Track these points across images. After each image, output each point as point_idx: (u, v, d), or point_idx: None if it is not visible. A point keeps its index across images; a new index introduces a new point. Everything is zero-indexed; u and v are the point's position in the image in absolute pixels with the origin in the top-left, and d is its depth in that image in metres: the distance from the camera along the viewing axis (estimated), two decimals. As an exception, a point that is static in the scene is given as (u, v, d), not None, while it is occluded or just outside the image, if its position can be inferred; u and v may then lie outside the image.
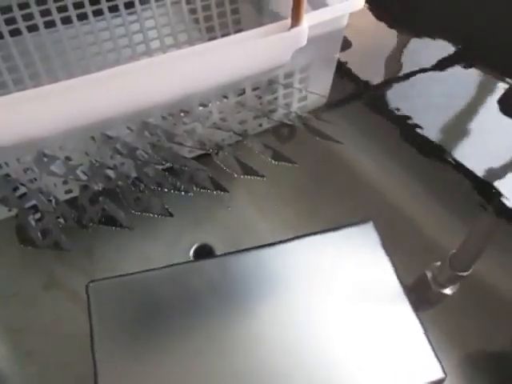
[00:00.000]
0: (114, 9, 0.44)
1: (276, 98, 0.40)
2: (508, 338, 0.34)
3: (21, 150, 0.31)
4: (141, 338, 0.28)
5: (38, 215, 0.33)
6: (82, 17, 0.43)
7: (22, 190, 0.33)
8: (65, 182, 0.36)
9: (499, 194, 0.40)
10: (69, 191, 0.37)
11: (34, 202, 0.33)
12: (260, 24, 0.32)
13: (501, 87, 0.48)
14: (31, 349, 0.33)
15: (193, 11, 0.47)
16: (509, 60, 0.50)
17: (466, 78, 0.49)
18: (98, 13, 0.43)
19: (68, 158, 0.34)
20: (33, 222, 0.32)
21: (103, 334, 0.28)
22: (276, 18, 0.33)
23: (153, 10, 0.45)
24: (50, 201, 0.33)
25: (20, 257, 0.36)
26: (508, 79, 0.48)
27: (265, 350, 0.27)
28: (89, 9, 0.43)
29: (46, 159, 0.31)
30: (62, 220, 0.33)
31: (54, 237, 0.32)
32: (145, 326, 0.28)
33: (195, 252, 0.38)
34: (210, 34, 0.48)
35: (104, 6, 0.43)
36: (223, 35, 0.47)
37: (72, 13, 0.42)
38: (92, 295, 0.29)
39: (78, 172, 0.32)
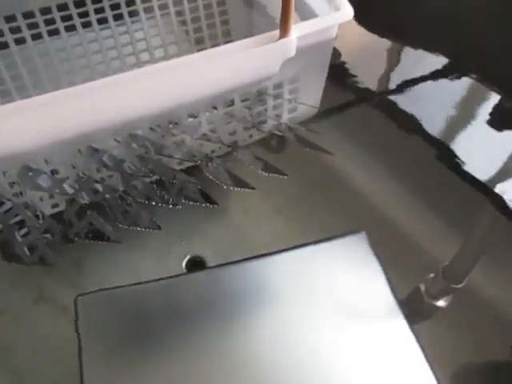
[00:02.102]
0: (103, 21, 0.44)
1: (266, 109, 0.39)
2: (501, 350, 0.33)
3: (5, 164, 0.31)
4: (130, 353, 0.27)
5: (23, 230, 0.32)
6: (71, 29, 0.43)
7: (8, 204, 0.32)
8: (51, 196, 0.35)
9: (493, 206, 0.40)
10: (55, 205, 0.36)
11: (19, 217, 0.32)
12: (250, 35, 0.32)
13: (492, 97, 0.48)
14: (20, 366, 0.33)
15: (182, 23, 0.47)
16: (497, 69, 0.51)
17: (457, 87, 0.50)
18: (86, 24, 0.43)
19: (54, 172, 0.33)
20: (18, 238, 0.31)
21: (91, 349, 0.27)
22: (266, 29, 0.32)
23: (142, 22, 0.45)
24: (37, 216, 0.33)
25: (8, 272, 0.36)
26: (497, 90, 0.49)
27: (257, 362, 0.27)
28: (77, 21, 0.42)
29: (30, 173, 0.30)
30: (48, 235, 0.32)
31: (41, 252, 0.31)
32: (135, 340, 0.28)
33: (187, 264, 0.37)
34: (200, 46, 0.48)
35: (93, 17, 0.43)
36: (213, 47, 0.47)
37: (60, 25, 0.42)
38: (81, 309, 0.29)
39: (65, 186, 0.31)
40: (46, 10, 0.41)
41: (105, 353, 0.27)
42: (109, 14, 0.43)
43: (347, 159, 0.44)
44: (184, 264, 0.37)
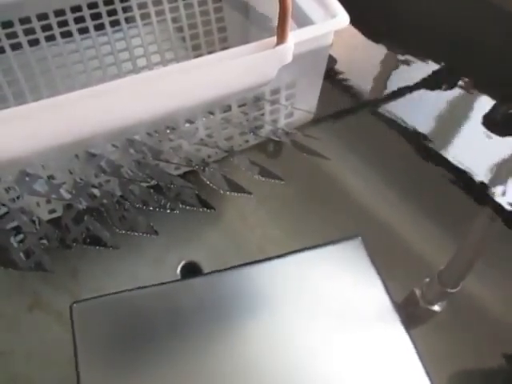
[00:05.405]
0: (99, 27, 0.44)
1: (262, 115, 0.40)
2: (497, 355, 0.33)
3: (2, 169, 0.31)
4: (126, 359, 0.27)
5: (20, 236, 0.32)
6: (67, 35, 0.43)
7: (3, 209, 0.32)
8: (48, 202, 0.35)
9: (489, 210, 0.40)
10: (52, 211, 0.36)
11: (15, 222, 0.32)
12: (247, 42, 0.32)
13: (486, 102, 0.49)
14: (15, 373, 0.32)
15: (179, 29, 0.47)
16: (494, 76, 0.51)
17: (453, 92, 0.50)
18: (83, 31, 0.43)
19: (51, 177, 0.33)
20: (14, 243, 0.31)
21: (87, 356, 0.27)
22: (263, 35, 0.33)
23: (139, 28, 0.45)
24: (33, 221, 0.33)
25: (4, 278, 0.36)
26: (491, 95, 0.49)
27: (254, 368, 0.27)
28: (74, 27, 0.42)
29: (27, 178, 0.30)
30: (45, 241, 0.32)
31: (37, 258, 0.31)
32: (131, 346, 0.28)
33: (182, 270, 0.37)
34: (197, 52, 0.48)
35: (90, 24, 0.43)
36: (210, 53, 0.47)
37: (56, 31, 0.42)
38: (76, 316, 0.28)
39: (62, 191, 0.31)
40: (42, 16, 0.41)
41: (101, 359, 0.27)
42: (106, 20, 0.43)
43: (343, 164, 0.44)
44: (179, 270, 0.37)
